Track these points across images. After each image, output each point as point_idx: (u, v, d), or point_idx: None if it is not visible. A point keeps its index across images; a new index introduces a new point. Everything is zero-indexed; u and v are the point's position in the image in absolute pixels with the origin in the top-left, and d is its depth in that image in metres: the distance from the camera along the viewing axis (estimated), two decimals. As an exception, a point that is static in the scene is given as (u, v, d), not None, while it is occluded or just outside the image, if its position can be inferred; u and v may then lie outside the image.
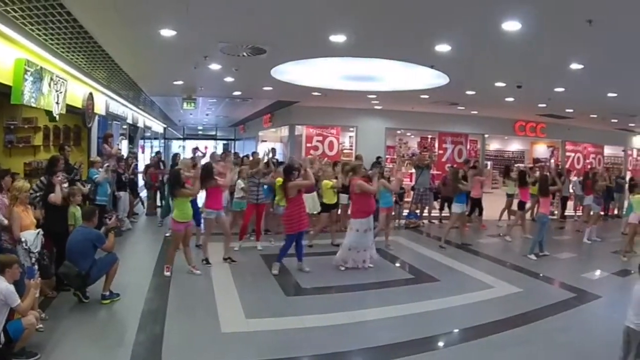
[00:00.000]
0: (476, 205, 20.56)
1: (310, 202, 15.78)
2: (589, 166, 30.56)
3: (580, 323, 9.92)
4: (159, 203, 20.92)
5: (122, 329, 8.70)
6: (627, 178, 28.42)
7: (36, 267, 8.65)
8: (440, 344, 8.91)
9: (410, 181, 23.98)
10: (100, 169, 14.34)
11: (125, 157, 19.30)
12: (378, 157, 21.91)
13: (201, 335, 8.54)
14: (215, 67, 14.76)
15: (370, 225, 13.62)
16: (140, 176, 21.59)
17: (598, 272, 14.28)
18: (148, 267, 12.59)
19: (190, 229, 12.56)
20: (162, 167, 21.68)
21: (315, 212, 16.46)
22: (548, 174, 18.68)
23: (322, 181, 15.89)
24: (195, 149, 21.79)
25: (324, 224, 16.35)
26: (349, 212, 14.72)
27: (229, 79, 17.22)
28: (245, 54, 12.88)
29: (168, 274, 11.93)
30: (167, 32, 10.72)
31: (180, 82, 18.56)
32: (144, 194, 21.97)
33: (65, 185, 11.07)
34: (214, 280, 11.86)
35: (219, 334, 8.60)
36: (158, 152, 25.92)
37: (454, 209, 17.33)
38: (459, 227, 18.10)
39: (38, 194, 10.57)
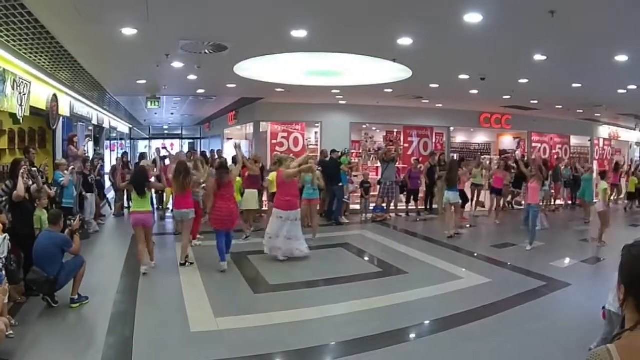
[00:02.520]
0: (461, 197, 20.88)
1: (251, 199, 16.88)
2: (555, 156, 30.87)
3: (550, 311, 10.02)
4: (126, 204, 20.89)
5: (92, 332, 8.68)
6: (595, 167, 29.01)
7: (3, 272, 8.53)
8: (411, 336, 8.97)
9: (377, 175, 24.08)
10: (65, 172, 14.25)
11: (90, 158, 19.15)
12: (333, 151, 21.88)
13: (171, 335, 8.53)
14: (177, 65, 14.69)
15: (291, 217, 13.91)
16: (106, 177, 21.48)
17: (567, 260, 14.44)
18: (116, 269, 12.57)
19: (148, 226, 12.75)
20: (129, 167, 21.63)
21: (254, 208, 17.38)
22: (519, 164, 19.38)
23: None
24: (162, 148, 21.81)
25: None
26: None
27: (192, 77, 17.17)
28: (206, 51, 12.84)
29: (144, 268, 12.20)
30: (128, 31, 10.68)
31: (143, 81, 18.45)
32: (110, 195, 21.86)
33: (30, 182, 11.04)
34: (182, 279, 11.85)
35: (188, 333, 8.59)
36: (125, 153, 25.87)
37: (453, 199, 17.78)
38: (454, 216, 18.29)
39: (4, 198, 10.50)
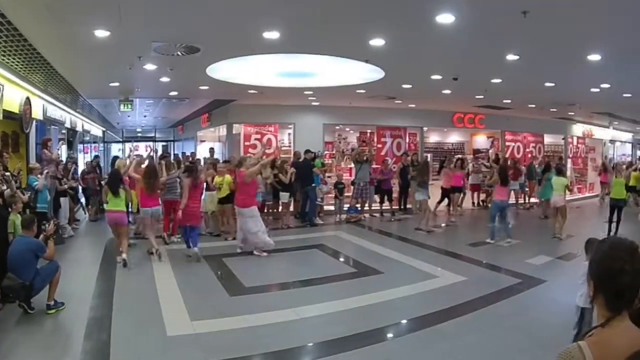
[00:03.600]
0: (447, 195, 21.80)
1: (211, 201, 17.32)
2: (529, 155, 31.03)
3: (527, 307, 10.10)
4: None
5: (69, 338, 8.63)
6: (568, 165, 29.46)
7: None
8: (388, 335, 9.03)
9: (350, 176, 24.11)
10: (39, 176, 14.19)
11: (64, 162, 19.03)
12: (307, 151, 21.94)
13: (147, 340, 8.49)
14: (150, 67, 14.61)
15: (248, 214, 14.64)
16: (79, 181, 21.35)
17: (542, 257, 14.52)
18: (91, 274, 12.47)
19: (122, 224, 13.84)
20: (98, 171, 21.64)
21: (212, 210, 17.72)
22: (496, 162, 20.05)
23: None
24: (135, 150, 21.81)
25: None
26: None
27: (164, 79, 17.05)
28: (179, 53, 12.80)
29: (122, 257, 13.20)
30: (101, 33, 10.61)
31: (116, 84, 18.33)
32: (82, 199, 21.74)
33: (4, 187, 10.99)
34: (157, 283, 11.83)
35: (165, 337, 8.55)
36: (97, 156, 25.83)
37: (419, 197, 18.89)
38: (425, 213, 18.91)
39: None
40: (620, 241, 2.91)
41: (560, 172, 18.52)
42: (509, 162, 23.69)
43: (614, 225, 17.47)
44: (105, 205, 14.16)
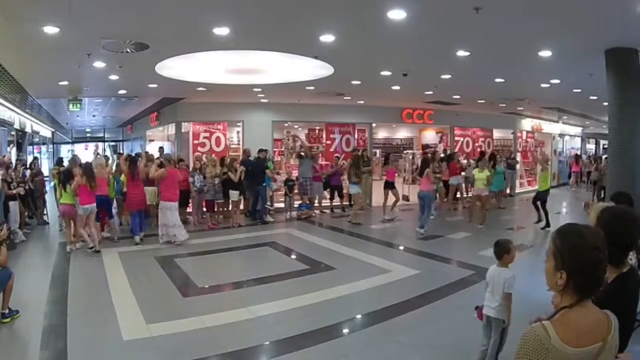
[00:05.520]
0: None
1: (152, 195, 17.91)
2: (479, 149, 31.15)
3: (480, 298, 10.15)
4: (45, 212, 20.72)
5: (25, 347, 8.49)
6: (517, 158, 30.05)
7: None
8: (344, 331, 9.10)
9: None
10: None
11: (14, 164, 18.81)
12: (260, 150, 21.97)
13: (104, 345, 8.43)
14: (99, 65, 14.41)
15: (169, 207, 16.11)
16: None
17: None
18: (45, 279, 12.32)
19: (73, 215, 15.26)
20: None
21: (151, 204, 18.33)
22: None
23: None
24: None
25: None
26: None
27: (113, 77, 16.86)
28: (128, 50, 12.67)
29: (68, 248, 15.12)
30: (50, 29, 10.46)
31: (65, 83, 18.07)
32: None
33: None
34: (110, 286, 11.72)
35: (121, 342, 8.49)
36: (35, 158, 25.69)
37: (350, 190, 20.19)
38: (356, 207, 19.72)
39: None
40: (588, 230, 2.95)
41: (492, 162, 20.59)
42: (454, 156, 24.89)
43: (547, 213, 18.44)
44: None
